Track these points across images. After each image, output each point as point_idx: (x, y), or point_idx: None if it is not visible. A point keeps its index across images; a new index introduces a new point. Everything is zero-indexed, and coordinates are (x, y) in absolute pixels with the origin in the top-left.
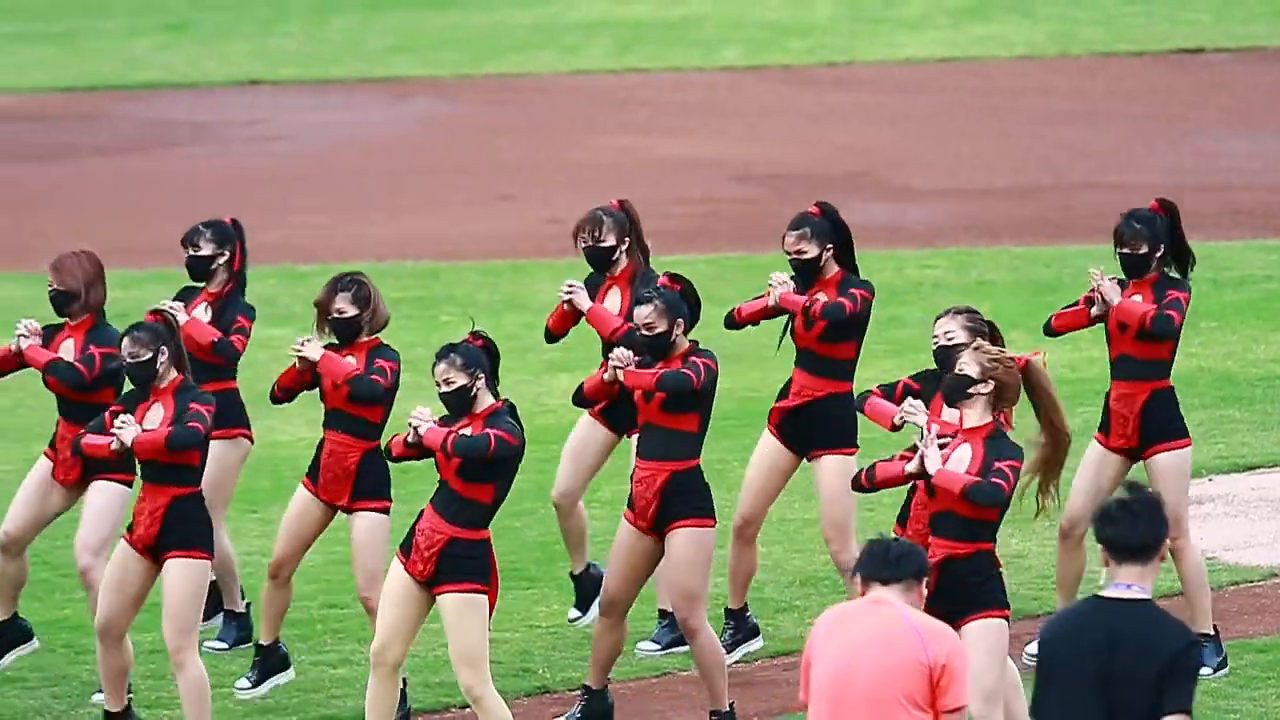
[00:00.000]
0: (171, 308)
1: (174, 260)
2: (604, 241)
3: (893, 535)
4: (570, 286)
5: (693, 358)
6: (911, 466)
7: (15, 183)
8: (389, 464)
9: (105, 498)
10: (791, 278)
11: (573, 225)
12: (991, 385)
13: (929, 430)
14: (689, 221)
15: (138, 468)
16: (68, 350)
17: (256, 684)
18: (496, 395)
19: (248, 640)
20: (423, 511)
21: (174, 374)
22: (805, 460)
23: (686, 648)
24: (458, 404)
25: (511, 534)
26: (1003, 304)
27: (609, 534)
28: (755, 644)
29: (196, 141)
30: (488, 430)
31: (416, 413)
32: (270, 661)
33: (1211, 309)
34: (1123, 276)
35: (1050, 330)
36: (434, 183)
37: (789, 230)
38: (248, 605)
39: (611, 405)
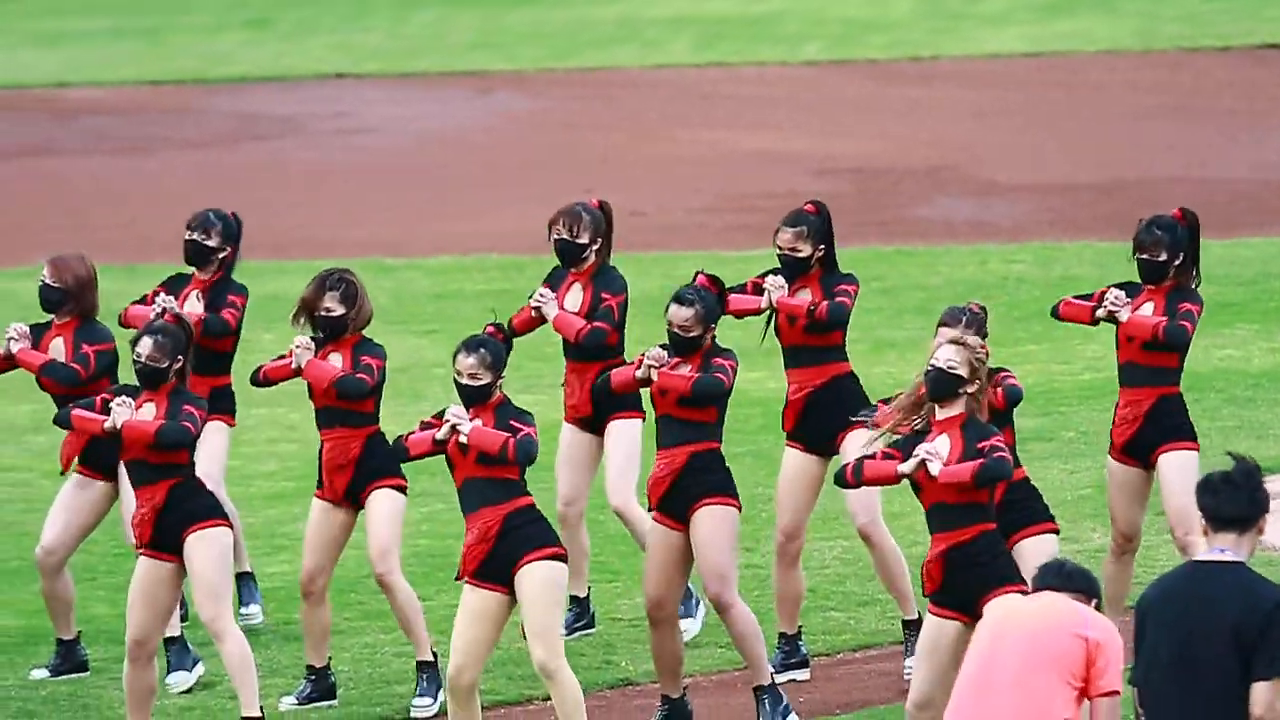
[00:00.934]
0: (164, 301)
1: (260, 253)
2: (579, 238)
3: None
4: (542, 297)
5: (716, 358)
6: (905, 467)
7: (104, 175)
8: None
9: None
10: (774, 271)
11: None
12: (977, 384)
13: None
14: (771, 216)
15: (122, 470)
16: (57, 349)
17: (303, 703)
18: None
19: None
20: (465, 536)
21: (172, 379)
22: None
23: None
24: (476, 398)
25: (595, 527)
26: None
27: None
28: (802, 674)
29: (282, 135)
30: (529, 430)
31: (454, 411)
32: (320, 686)
33: None
34: (1138, 281)
35: (1055, 314)
36: (516, 176)
37: (785, 226)
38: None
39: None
